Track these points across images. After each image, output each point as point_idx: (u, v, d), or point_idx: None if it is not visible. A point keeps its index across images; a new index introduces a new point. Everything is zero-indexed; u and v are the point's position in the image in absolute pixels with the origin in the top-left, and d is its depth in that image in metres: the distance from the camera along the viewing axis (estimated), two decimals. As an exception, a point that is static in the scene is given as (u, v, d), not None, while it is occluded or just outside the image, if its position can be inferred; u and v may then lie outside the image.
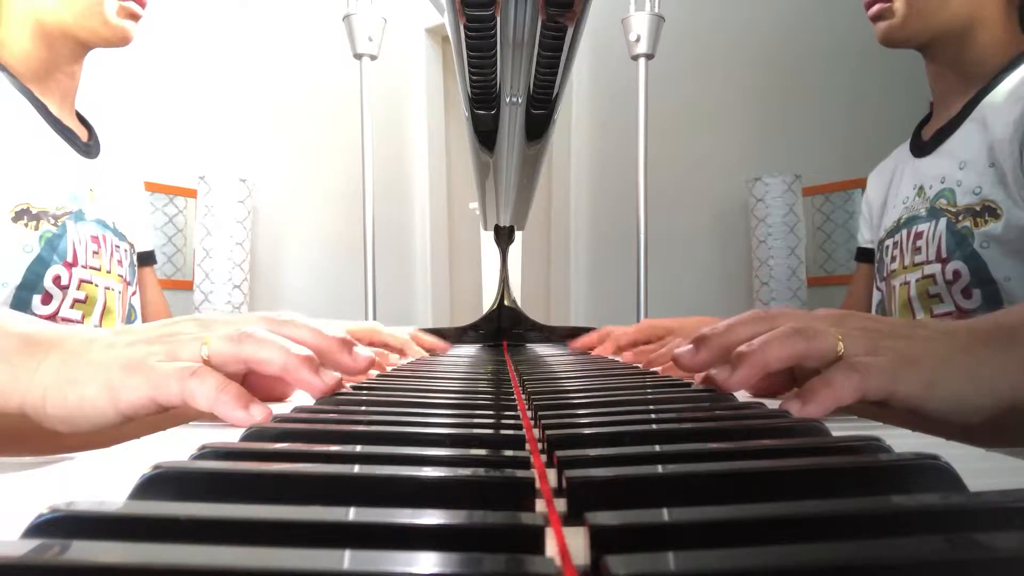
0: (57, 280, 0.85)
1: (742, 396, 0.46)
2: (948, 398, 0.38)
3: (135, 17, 0.92)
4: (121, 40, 0.91)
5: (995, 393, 0.38)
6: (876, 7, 0.92)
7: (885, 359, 0.38)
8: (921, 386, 0.37)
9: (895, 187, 1.02)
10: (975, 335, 0.41)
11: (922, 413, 0.38)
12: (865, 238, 1.11)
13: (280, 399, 0.49)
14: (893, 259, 0.96)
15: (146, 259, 1.10)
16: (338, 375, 0.44)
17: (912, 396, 0.37)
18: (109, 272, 0.93)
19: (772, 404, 0.41)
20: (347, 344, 0.46)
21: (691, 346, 0.46)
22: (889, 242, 0.98)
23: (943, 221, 0.87)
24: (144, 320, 1.06)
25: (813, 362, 0.40)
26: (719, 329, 0.45)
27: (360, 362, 0.46)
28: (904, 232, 0.94)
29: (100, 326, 0.91)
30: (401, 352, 0.86)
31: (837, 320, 0.42)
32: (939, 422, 0.38)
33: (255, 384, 0.49)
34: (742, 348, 0.41)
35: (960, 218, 0.85)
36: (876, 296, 1.04)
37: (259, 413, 0.38)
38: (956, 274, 0.84)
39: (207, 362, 0.40)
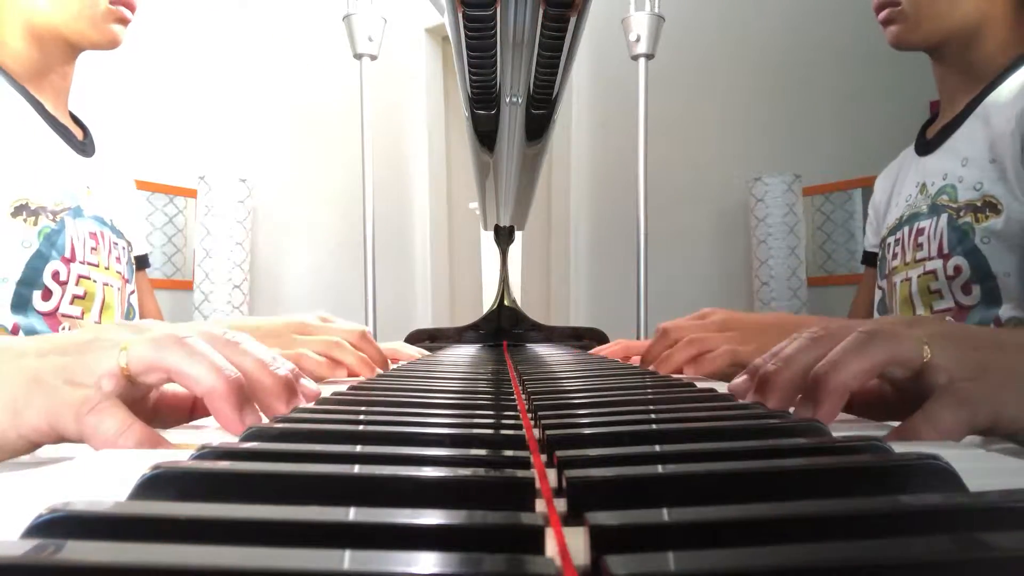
0: (56, 276, 0.85)
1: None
2: None
3: (124, 21, 0.92)
4: (110, 44, 0.92)
5: None
6: (885, 11, 0.92)
7: (987, 383, 0.33)
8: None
9: (899, 186, 1.02)
10: None
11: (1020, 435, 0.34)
12: (870, 242, 1.12)
13: (183, 421, 0.43)
14: (895, 256, 0.97)
15: (141, 262, 1.10)
16: (257, 418, 0.38)
17: (1017, 419, 0.33)
18: (107, 268, 0.94)
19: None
20: (289, 388, 0.40)
21: (757, 396, 0.41)
22: (891, 239, 0.98)
23: (944, 217, 0.87)
24: None
25: (898, 370, 0.35)
26: (780, 363, 0.39)
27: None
28: (906, 229, 0.94)
29: (100, 322, 0.91)
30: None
31: (911, 324, 0.37)
32: None
33: (165, 404, 0.42)
34: (816, 372, 0.36)
35: (961, 214, 0.85)
36: (877, 295, 1.04)
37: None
38: (957, 270, 0.84)
39: (124, 370, 0.35)
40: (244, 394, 0.37)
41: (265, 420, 0.38)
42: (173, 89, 2.81)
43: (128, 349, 0.35)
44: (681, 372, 0.72)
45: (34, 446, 0.34)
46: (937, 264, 0.87)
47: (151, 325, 0.38)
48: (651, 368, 0.76)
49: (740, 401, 0.41)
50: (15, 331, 0.81)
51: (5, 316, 0.81)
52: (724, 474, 0.22)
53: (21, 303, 0.82)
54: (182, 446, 0.34)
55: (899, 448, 0.26)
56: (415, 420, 0.34)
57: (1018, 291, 0.81)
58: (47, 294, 0.84)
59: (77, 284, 0.88)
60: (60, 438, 0.34)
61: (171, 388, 0.41)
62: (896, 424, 0.35)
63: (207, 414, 0.41)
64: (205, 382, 0.35)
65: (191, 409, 0.43)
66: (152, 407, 0.40)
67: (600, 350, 1.05)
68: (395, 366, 0.81)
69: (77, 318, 0.88)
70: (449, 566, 0.14)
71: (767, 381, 0.39)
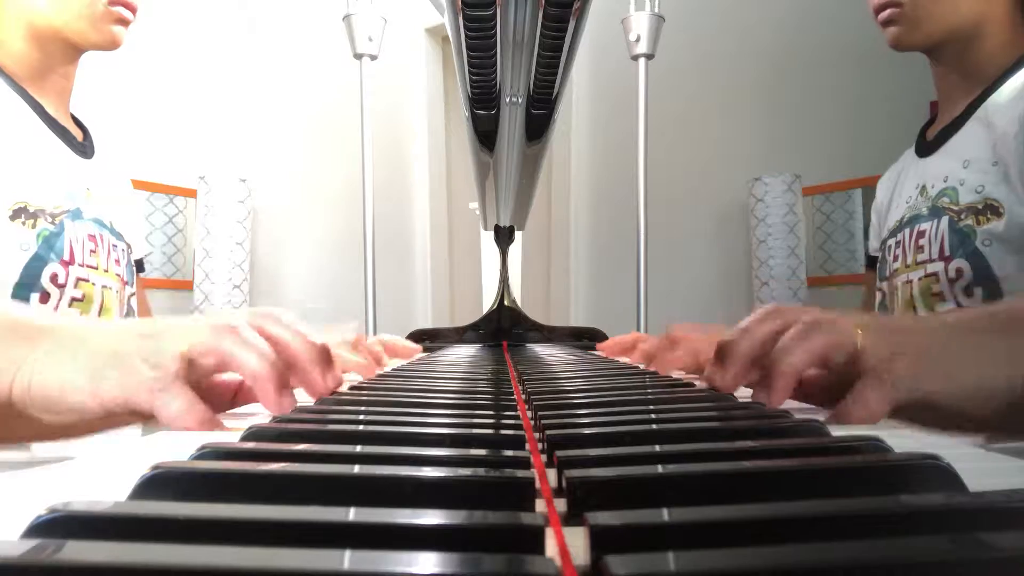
0: (54, 278, 0.85)
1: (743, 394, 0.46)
2: (966, 387, 0.38)
3: (124, 22, 0.92)
4: (110, 44, 0.92)
5: (1009, 379, 0.38)
6: (886, 12, 0.92)
7: (906, 361, 0.38)
8: (941, 379, 0.38)
9: (899, 188, 1.02)
10: (984, 322, 0.41)
11: (941, 406, 0.38)
12: (873, 246, 1.11)
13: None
14: (896, 258, 0.96)
15: (137, 267, 1.10)
16: (295, 401, 0.42)
17: (933, 392, 0.38)
18: (106, 271, 0.93)
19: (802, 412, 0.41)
20: (324, 357, 0.46)
21: (716, 364, 0.45)
22: (891, 241, 0.98)
23: (945, 220, 0.87)
24: None
25: (836, 355, 0.40)
26: (736, 336, 0.45)
27: (329, 383, 0.46)
28: (907, 231, 0.94)
29: None
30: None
31: (848, 315, 0.42)
32: (955, 414, 0.39)
33: (212, 390, 0.48)
34: (769, 359, 0.41)
35: (962, 216, 0.85)
36: (877, 296, 1.04)
37: None
38: (959, 272, 0.84)
39: (185, 354, 0.40)
40: (286, 379, 0.42)
41: (301, 402, 0.43)
42: (173, 89, 2.81)
43: (190, 335, 0.40)
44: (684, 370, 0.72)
45: (108, 416, 0.39)
46: (938, 267, 0.87)
47: (211, 315, 0.44)
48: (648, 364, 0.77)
49: (737, 397, 0.43)
50: None
51: None
52: (724, 474, 0.22)
53: None
54: (235, 430, 0.37)
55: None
56: (415, 420, 0.34)
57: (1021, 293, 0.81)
58: (45, 297, 0.84)
59: (76, 287, 0.87)
60: (133, 410, 0.39)
61: (217, 377, 0.47)
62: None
63: (246, 402, 0.48)
64: (252, 366, 0.40)
65: (233, 396, 0.49)
66: (202, 392, 0.44)
67: (608, 344, 1.05)
68: (395, 366, 0.81)
69: None
70: (449, 566, 0.14)
71: (727, 354, 0.44)
